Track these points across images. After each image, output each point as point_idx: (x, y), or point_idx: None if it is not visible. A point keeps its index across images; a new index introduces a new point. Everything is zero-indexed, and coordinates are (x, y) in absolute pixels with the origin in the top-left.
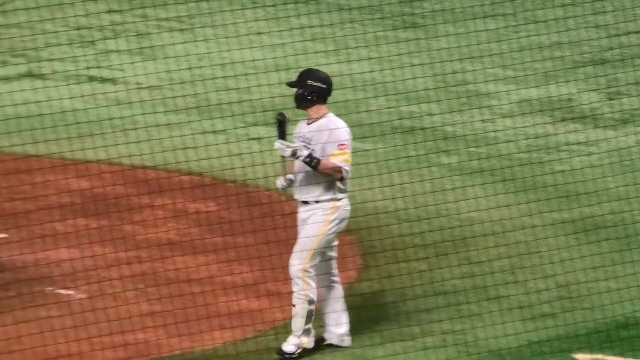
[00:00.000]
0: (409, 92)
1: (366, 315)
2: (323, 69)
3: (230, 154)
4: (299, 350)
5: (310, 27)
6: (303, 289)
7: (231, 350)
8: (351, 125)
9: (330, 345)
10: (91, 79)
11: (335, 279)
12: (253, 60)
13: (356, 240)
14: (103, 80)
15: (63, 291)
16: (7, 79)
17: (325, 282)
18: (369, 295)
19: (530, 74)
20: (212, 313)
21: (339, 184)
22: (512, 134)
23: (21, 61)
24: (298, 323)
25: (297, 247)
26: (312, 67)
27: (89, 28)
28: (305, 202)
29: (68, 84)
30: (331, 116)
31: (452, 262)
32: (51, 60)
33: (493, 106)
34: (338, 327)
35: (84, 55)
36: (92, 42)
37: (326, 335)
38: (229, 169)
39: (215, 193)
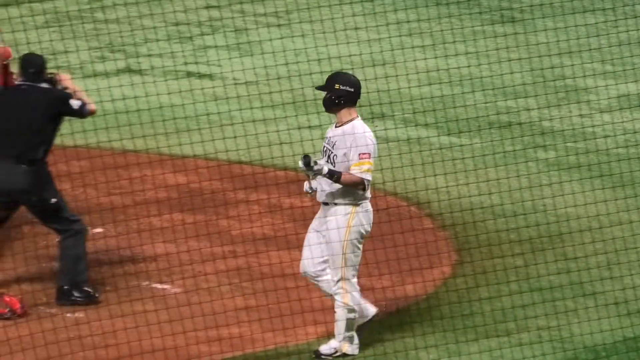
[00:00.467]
0: (506, 87)
1: (461, 311)
2: (420, 64)
3: None
4: (336, 354)
5: (408, 21)
6: (342, 296)
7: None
8: (447, 121)
9: None
10: (189, 74)
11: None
12: (350, 56)
13: (451, 236)
14: (201, 75)
15: (159, 285)
16: (105, 74)
17: None
18: (463, 291)
19: (629, 69)
20: (306, 308)
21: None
22: (610, 129)
23: (120, 57)
24: (339, 328)
25: (329, 259)
26: (342, 71)
27: (187, 24)
28: (325, 204)
29: (166, 80)
30: (357, 121)
31: (548, 258)
32: (149, 55)
33: (591, 101)
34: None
35: (182, 51)
36: (190, 37)
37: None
38: None
39: None
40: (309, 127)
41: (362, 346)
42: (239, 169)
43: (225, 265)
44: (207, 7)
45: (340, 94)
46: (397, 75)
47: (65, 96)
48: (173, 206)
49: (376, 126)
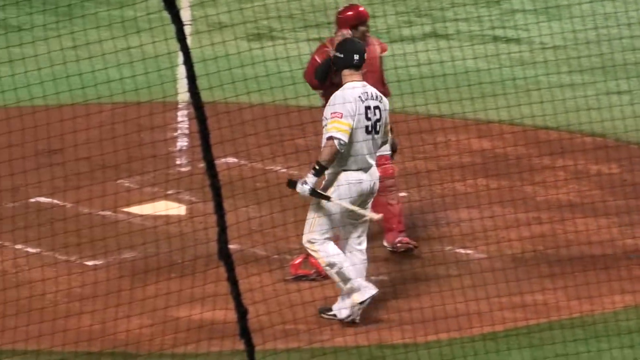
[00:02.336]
0: None
1: None
2: None
3: (635, 115)
4: (355, 308)
5: None
6: (317, 258)
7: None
8: None
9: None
10: (495, 38)
11: (355, 251)
12: None
13: None
14: (507, 40)
15: (462, 251)
16: (412, 39)
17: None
18: None
19: None
20: (613, 276)
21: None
22: None
23: (426, 21)
24: (339, 286)
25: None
26: (350, 38)
27: None
28: None
29: (472, 44)
30: (345, 87)
31: None
32: (456, 20)
33: None
34: (340, 298)
35: (489, 15)
36: (497, 1)
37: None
38: (633, 130)
39: (619, 155)
40: (618, 92)
41: None
42: (544, 134)
43: (530, 232)
44: None
45: (334, 60)
46: None
47: None
48: (477, 171)
49: None
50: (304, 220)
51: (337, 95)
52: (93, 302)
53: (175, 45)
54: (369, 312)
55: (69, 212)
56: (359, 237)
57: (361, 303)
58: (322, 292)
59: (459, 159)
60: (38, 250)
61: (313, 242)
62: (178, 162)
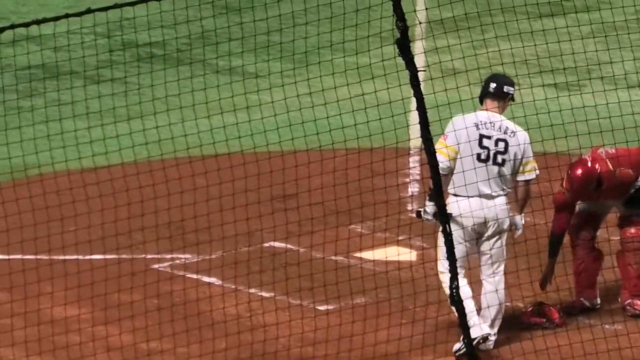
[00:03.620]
0: None
1: None
2: None
3: None
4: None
5: None
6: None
7: None
8: None
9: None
10: None
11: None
12: None
13: None
14: None
15: None
16: None
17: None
18: None
19: None
20: None
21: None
22: None
23: None
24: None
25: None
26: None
27: None
28: None
29: None
30: (470, 113)
31: None
32: None
33: None
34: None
35: None
36: None
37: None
38: None
39: None
40: None
41: None
42: None
43: None
44: None
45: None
46: None
47: None
48: None
49: None
50: (536, 268)
51: (457, 118)
52: (325, 346)
53: (408, 91)
54: None
55: (302, 256)
56: (490, 267)
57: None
58: (555, 340)
59: None
60: (272, 294)
61: (442, 272)
62: (409, 208)
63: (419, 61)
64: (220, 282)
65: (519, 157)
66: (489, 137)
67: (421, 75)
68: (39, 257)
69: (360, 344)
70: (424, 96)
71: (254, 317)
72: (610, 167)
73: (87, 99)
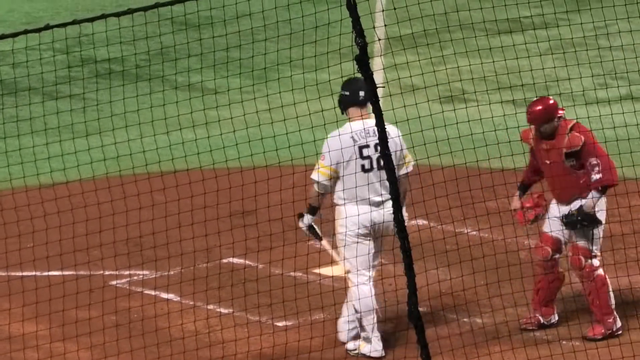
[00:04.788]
0: None
1: None
2: None
3: None
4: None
5: None
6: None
7: None
8: None
9: None
10: None
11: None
12: None
13: None
14: None
15: None
16: (607, 101)
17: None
18: None
19: None
20: None
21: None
22: None
23: (622, 83)
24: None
25: None
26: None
27: None
28: None
29: None
30: (344, 128)
31: None
32: None
33: None
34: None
35: None
36: None
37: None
38: None
39: None
40: None
41: None
42: None
43: None
44: None
45: (340, 98)
46: None
47: None
48: None
49: None
50: (496, 283)
51: (332, 137)
52: None
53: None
54: None
55: (261, 272)
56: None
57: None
58: (513, 356)
59: None
60: (230, 310)
61: (349, 273)
62: None
63: (378, 77)
64: (178, 299)
65: (398, 149)
66: (367, 146)
67: (380, 92)
68: None
69: None
70: (383, 112)
71: (212, 334)
72: (570, 125)
73: (45, 115)
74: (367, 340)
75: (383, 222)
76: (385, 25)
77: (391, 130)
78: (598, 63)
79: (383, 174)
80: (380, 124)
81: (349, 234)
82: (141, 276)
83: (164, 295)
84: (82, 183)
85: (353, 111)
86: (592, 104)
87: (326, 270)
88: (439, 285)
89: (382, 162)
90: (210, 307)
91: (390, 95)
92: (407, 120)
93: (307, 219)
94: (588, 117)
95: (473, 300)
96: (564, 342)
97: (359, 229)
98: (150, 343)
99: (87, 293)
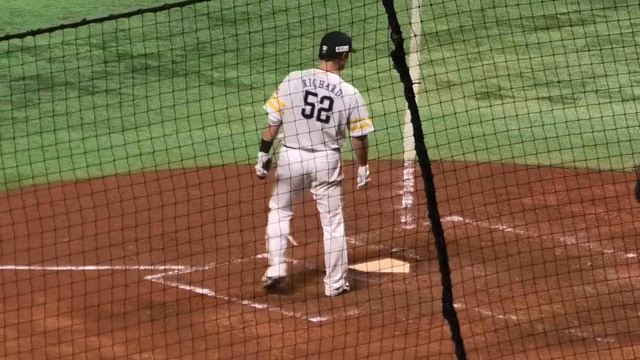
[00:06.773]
0: None
1: None
2: None
3: None
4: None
5: None
6: None
7: None
8: None
9: None
10: None
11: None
12: None
13: None
14: None
15: None
16: None
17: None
18: None
19: None
20: None
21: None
22: None
23: None
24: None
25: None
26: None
27: None
28: None
29: None
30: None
31: None
32: None
33: None
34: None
35: None
36: None
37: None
38: None
39: None
40: None
41: None
42: None
43: None
44: None
45: None
46: None
47: None
48: None
49: None
50: (531, 280)
51: (291, 73)
52: (318, 358)
53: (403, 103)
54: None
55: (295, 268)
56: (326, 214)
57: (268, 278)
58: (549, 354)
59: None
60: (264, 306)
61: (270, 209)
62: (403, 220)
63: (414, 73)
64: (213, 294)
65: (345, 116)
66: (314, 95)
67: (416, 88)
68: (32, 268)
69: (352, 356)
70: (419, 108)
71: (247, 329)
72: None
73: (81, 110)
74: (270, 263)
75: (315, 169)
76: (421, 22)
77: (345, 89)
78: (635, 60)
79: (323, 125)
80: (415, 120)
81: (280, 173)
82: (176, 271)
83: (199, 290)
84: (118, 178)
85: (322, 63)
86: (628, 101)
87: (361, 266)
88: (474, 282)
89: (322, 115)
90: (245, 302)
91: (427, 92)
92: (443, 116)
93: (260, 153)
94: (625, 114)
95: (508, 297)
96: (599, 339)
97: (290, 171)
98: (185, 338)
99: (123, 288)
